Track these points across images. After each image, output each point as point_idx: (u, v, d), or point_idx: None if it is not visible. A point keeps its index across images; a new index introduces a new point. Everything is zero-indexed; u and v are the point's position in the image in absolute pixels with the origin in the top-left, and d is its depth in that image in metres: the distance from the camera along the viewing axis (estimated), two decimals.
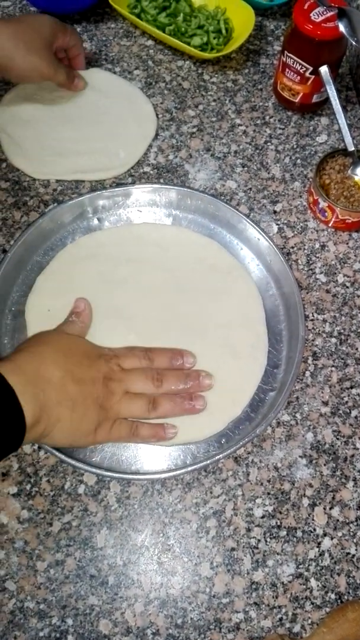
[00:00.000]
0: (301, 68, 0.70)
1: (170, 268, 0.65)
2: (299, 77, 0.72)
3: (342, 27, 0.65)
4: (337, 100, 0.69)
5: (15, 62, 0.65)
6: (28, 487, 0.55)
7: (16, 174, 0.72)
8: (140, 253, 0.66)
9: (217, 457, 0.54)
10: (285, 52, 0.70)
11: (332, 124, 0.78)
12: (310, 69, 0.70)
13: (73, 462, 0.54)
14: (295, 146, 0.76)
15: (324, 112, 0.79)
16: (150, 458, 0.57)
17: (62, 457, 0.54)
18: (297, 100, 0.75)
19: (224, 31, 0.81)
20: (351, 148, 0.69)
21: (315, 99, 0.75)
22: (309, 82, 0.72)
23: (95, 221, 0.69)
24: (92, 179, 0.71)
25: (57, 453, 0.54)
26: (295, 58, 0.69)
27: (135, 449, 0.57)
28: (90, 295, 0.63)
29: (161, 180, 0.72)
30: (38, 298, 0.63)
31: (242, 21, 0.82)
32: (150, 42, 0.84)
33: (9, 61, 0.65)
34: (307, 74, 0.71)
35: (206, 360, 0.60)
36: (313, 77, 0.71)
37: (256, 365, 0.61)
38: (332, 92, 0.69)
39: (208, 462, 0.54)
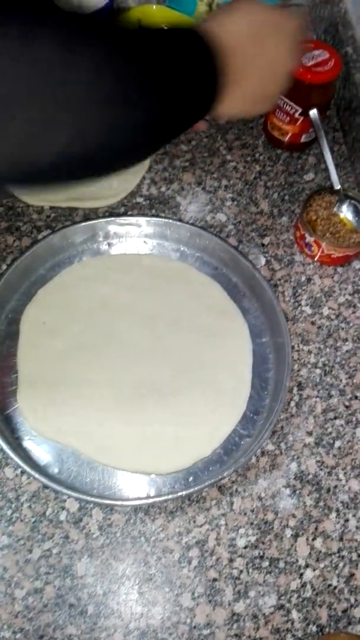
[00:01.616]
0: (291, 109, 0.73)
1: (168, 301, 0.67)
2: (288, 118, 0.75)
3: None
4: (325, 141, 0.71)
5: None
6: (9, 512, 0.55)
7: (10, 199, 0.73)
8: (142, 282, 0.67)
9: (202, 486, 0.54)
10: None
11: (319, 163, 0.81)
12: (300, 110, 0.73)
13: (56, 486, 0.53)
14: (283, 183, 0.79)
15: (311, 152, 0.82)
16: (133, 486, 0.57)
17: (45, 481, 0.53)
18: (286, 140, 0.78)
19: None
20: (337, 187, 0.71)
21: (303, 138, 0.78)
22: (298, 123, 0.75)
23: (105, 246, 0.70)
24: (86, 207, 0.73)
25: (40, 477, 0.53)
26: (286, 100, 0.73)
27: (117, 477, 0.57)
28: (87, 315, 0.64)
29: (153, 211, 0.74)
30: (36, 310, 0.64)
31: None
32: None
33: None
34: (296, 115, 0.74)
35: (185, 395, 0.61)
36: (302, 118, 0.74)
37: (234, 408, 0.61)
38: (320, 133, 0.72)
39: (192, 490, 0.54)
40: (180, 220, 0.71)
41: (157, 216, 0.72)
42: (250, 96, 0.49)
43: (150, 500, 0.55)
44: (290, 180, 0.79)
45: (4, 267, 0.67)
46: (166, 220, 0.70)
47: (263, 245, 0.73)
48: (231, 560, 0.54)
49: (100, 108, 0.36)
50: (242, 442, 0.59)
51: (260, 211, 0.76)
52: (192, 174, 0.78)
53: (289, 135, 0.77)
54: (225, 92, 0.45)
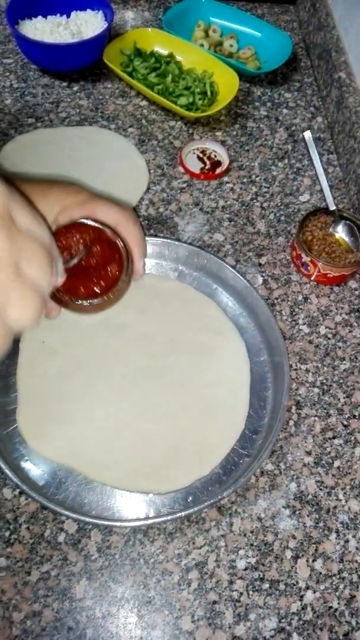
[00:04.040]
0: None
1: (166, 321, 0.67)
2: None
3: None
4: (319, 163, 0.73)
5: None
6: (7, 534, 0.54)
7: None
8: (141, 302, 0.68)
9: (202, 506, 0.54)
10: None
11: (314, 185, 0.82)
12: None
13: (55, 507, 0.53)
14: (279, 204, 0.80)
15: (306, 174, 0.83)
16: (131, 507, 0.56)
17: (44, 502, 0.53)
18: None
19: (209, 93, 0.87)
20: (332, 207, 0.72)
21: None
22: None
23: None
24: None
25: (39, 498, 0.53)
26: None
27: (115, 497, 0.56)
28: (86, 334, 0.64)
29: (152, 231, 0.74)
30: (35, 329, 0.64)
31: (228, 85, 0.87)
32: (144, 103, 0.89)
33: None
34: None
35: (183, 415, 0.61)
36: None
37: (233, 428, 0.61)
38: (314, 155, 0.73)
39: (191, 510, 0.54)
40: (178, 240, 0.72)
41: (156, 236, 0.72)
42: None
43: (149, 521, 0.54)
44: (286, 202, 0.80)
45: None
46: (164, 240, 0.71)
47: (260, 264, 0.74)
48: (231, 583, 0.54)
49: None
50: (241, 462, 0.59)
51: (257, 231, 0.77)
52: (189, 195, 0.79)
53: None
54: None
